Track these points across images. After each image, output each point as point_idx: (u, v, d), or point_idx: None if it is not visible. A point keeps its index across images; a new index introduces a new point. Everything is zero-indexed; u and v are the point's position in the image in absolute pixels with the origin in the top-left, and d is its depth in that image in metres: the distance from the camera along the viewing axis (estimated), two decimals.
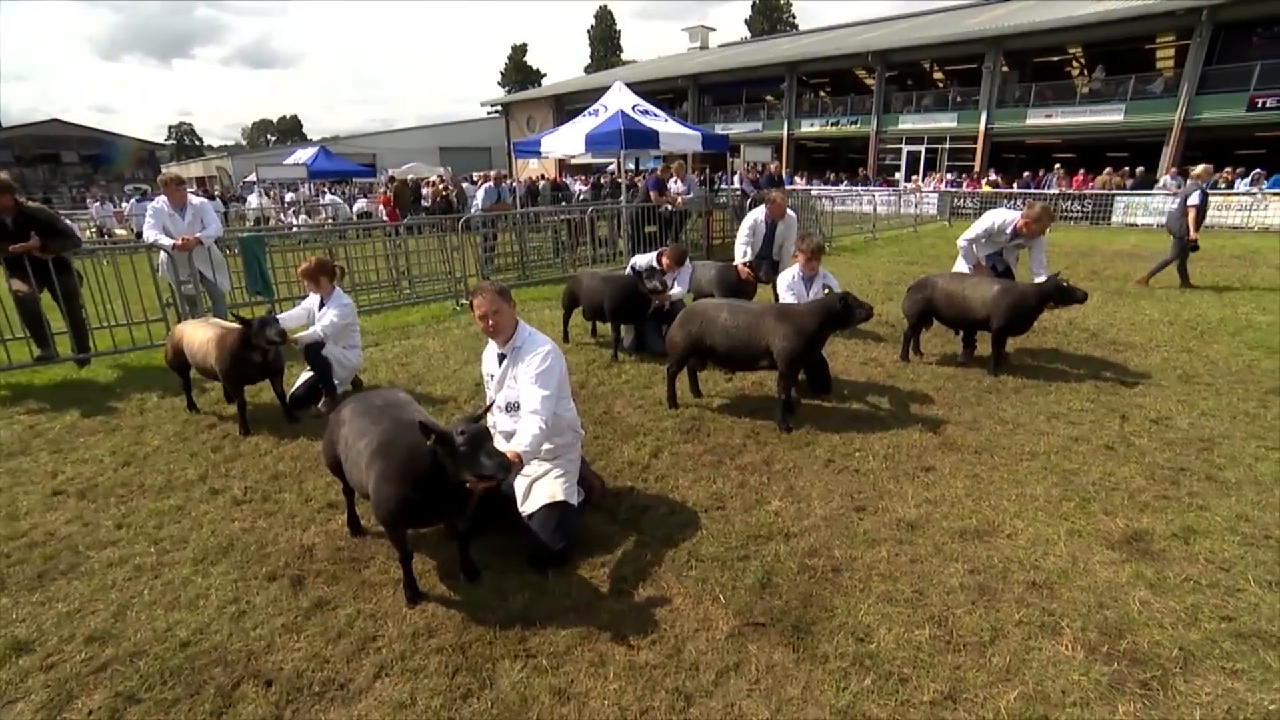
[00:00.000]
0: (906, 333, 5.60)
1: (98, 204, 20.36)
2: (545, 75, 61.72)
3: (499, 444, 3.01)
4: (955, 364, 5.41)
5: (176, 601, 2.61)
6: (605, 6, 58.75)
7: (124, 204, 20.30)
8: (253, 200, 19.71)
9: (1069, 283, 4.90)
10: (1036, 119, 22.50)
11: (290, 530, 3.10)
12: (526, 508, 2.90)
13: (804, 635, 2.35)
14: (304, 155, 22.20)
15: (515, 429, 2.83)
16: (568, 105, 33.08)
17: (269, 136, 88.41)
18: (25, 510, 3.33)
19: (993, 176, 21.44)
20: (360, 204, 19.04)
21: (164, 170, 6.39)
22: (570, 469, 3.04)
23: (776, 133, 28.62)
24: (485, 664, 2.25)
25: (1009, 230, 5.42)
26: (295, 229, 13.28)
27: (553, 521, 2.81)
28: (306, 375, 4.70)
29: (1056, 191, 18.22)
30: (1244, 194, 15.83)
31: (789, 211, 6.50)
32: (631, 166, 14.51)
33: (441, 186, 17.88)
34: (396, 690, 2.15)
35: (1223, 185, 16.60)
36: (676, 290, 5.59)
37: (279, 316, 4.29)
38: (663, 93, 30.86)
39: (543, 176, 20.11)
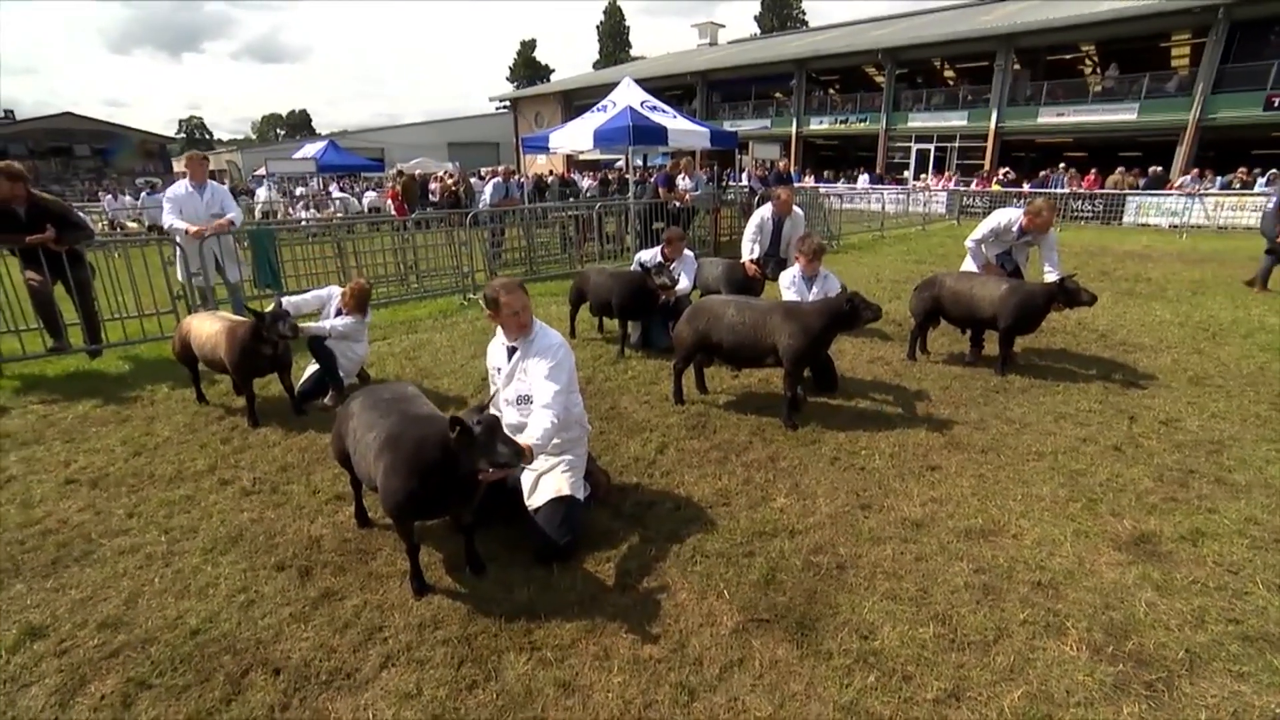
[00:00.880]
0: (913, 331, 5.58)
1: (109, 197, 20.54)
2: (554, 71, 61.82)
3: None
4: (962, 363, 5.38)
5: (186, 590, 2.64)
6: (614, 2, 58.58)
7: (127, 196, 20.43)
8: (260, 193, 19.78)
9: (1079, 284, 4.85)
10: (1048, 118, 22.29)
11: (298, 521, 3.13)
12: (533, 501, 2.92)
13: (808, 632, 2.36)
14: (313, 149, 22.32)
15: (523, 422, 2.85)
16: (576, 101, 33.06)
17: (278, 131, 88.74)
18: (39, 498, 3.37)
19: (1006, 171, 21.23)
20: (370, 196, 19.12)
21: (188, 153, 6.40)
22: (577, 464, 3.05)
23: (785, 130, 28.50)
24: (490, 656, 2.27)
25: (1015, 229, 5.39)
26: (304, 223, 13.35)
27: (558, 516, 2.82)
28: (313, 369, 4.73)
29: (1067, 191, 18.05)
30: (1260, 194, 15.64)
31: (795, 209, 6.48)
32: (639, 163, 14.49)
33: (451, 182, 17.92)
34: (402, 680, 2.17)
35: (1238, 185, 16.42)
36: (683, 284, 5.59)
37: (293, 300, 4.29)
38: (671, 89, 30.79)
39: (551, 172, 20.11)
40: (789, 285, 4.94)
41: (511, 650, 2.29)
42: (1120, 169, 18.89)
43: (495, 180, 12.05)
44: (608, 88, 12.48)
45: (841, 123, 27.74)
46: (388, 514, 2.58)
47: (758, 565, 2.73)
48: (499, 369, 3.11)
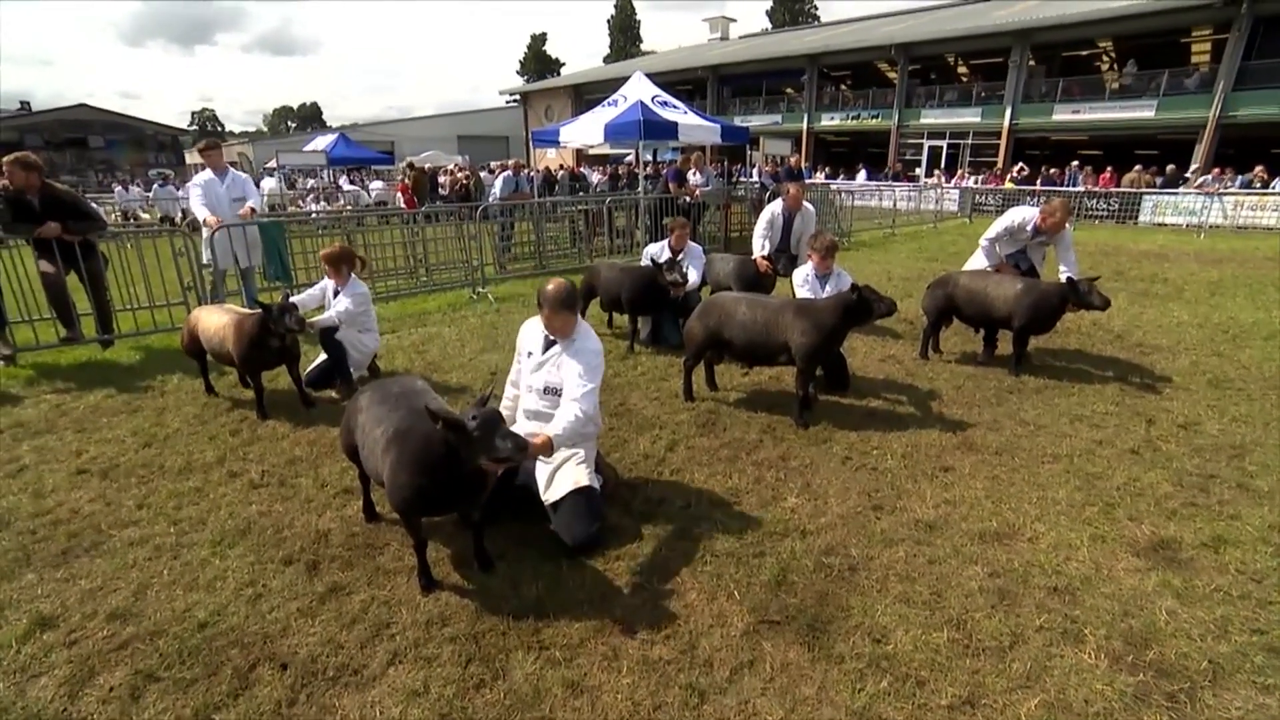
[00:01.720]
0: (926, 330, 5.51)
1: (121, 188, 20.67)
2: (564, 65, 61.54)
3: (525, 425, 3.03)
4: (975, 363, 5.31)
5: (195, 582, 2.64)
6: None
7: (138, 188, 20.53)
8: (266, 184, 19.75)
9: (1094, 287, 4.71)
10: (1063, 115, 21.96)
11: (306, 515, 3.13)
12: (550, 495, 2.91)
13: (819, 634, 2.33)
14: (324, 142, 22.34)
15: (544, 410, 2.93)
16: (586, 95, 32.92)
17: (289, 123, 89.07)
18: (51, 488, 3.39)
19: (1021, 167, 20.94)
20: (376, 185, 19.11)
21: (202, 142, 6.64)
22: (589, 456, 3.05)
23: (796, 125, 28.26)
24: (498, 654, 2.25)
25: (1030, 228, 5.30)
26: (314, 216, 13.37)
27: (582, 505, 2.83)
28: (321, 360, 4.73)
29: (1082, 189, 17.81)
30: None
31: (806, 204, 6.42)
32: (650, 158, 14.41)
33: (461, 175, 17.90)
34: (410, 678, 2.15)
35: (1258, 185, 16.13)
36: (692, 278, 5.54)
37: (295, 300, 4.31)
38: (682, 83, 30.57)
39: (561, 166, 20.06)
40: (802, 283, 4.88)
41: (519, 649, 2.27)
42: (1138, 167, 18.59)
43: (506, 174, 12.00)
44: (618, 82, 12.41)
45: (853, 119, 27.47)
46: (395, 509, 2.56)
47: (768, 566, 2.70)
48: (530, 353, 3.11)
